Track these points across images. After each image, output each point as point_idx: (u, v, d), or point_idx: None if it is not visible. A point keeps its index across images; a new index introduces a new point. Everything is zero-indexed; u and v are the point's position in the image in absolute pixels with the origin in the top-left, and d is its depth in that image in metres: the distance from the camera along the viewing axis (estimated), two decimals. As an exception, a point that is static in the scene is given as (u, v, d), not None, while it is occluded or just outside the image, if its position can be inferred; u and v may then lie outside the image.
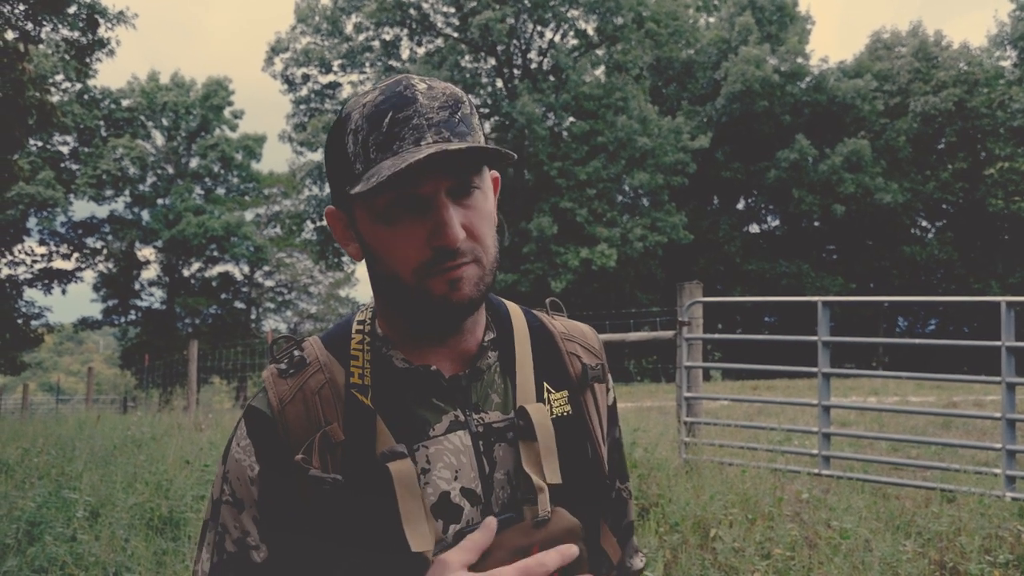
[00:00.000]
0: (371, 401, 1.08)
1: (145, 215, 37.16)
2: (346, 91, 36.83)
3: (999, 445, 5.73)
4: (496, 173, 1.15)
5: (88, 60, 15.69)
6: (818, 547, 4.43)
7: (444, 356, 1.13)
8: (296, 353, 1.13)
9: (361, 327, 1.15)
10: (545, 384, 1.19)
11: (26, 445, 7.04)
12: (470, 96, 1.14)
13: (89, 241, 36.44)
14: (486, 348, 1.16)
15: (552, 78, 33.97)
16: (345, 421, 1.07)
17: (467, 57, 35.55)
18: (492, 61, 35.69)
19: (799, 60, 37.04)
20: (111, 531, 4.32)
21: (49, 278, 34.15)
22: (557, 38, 35.23)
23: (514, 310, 1.25)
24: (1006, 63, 37.33)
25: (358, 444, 1.06)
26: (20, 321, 32.68)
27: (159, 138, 38.22)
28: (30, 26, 12.02)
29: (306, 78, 36.59)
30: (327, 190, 34.80)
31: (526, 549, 1.02)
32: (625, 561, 1.31)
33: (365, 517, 1.03)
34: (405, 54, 36.17)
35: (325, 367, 1.11)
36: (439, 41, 35.53)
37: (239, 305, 40.32)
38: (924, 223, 39.65)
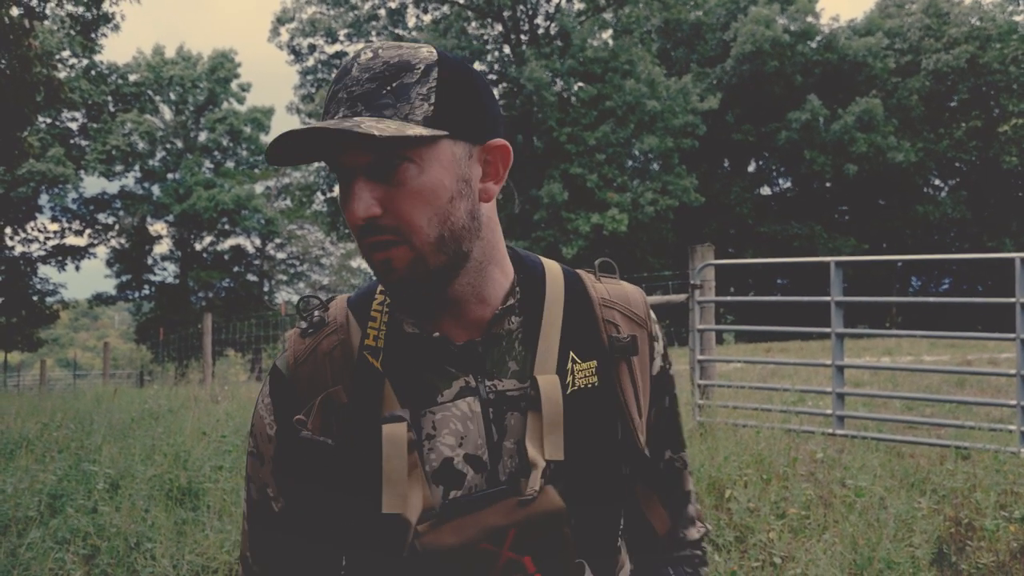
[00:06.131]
0: (382, 364, 1.07)
1: (156, 190, 37.20)
2: (353, 61, 36.57)
3: (1014, 402, 5.72)
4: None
5: (94, 35, 15.68)
6: (833, 506, 4.45)
7: (454, 322, 1.11)
8: (317, 314, 1.15)
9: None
10: (571, 353, 1.12)
11: (45, 420, 7.11)
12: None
13: (101, 217, 36.57)
14: (504, 314, 1.11)
15: (559, 42, 33.66)
16: (354, 383, 1.07)
17: (473, 24, 35.25)
18: (499, 27, 35.36)
19: (809, 19, 36.61)
20: (131, 502, 4.38)
21: (62, 255, 34.36)
22: (563, 2, 34.89)
23: (553, 272, 1.19)
24: (1019, 18, 36.79)
25: (363, 407, 1.06)
26: (35, 298, 32.98)
27: (167, 112, 38.17)
28: (35, 2, 11.98)
29: (312, 48, 36.36)
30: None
31: (503, 531, 1.00)
32: (677, 532, 1.27)
33: (353, 480, 1.04)
34: (411, 22, 35.92)
35: (342, 328, 1.12)
36: (445, 8, 35.23)
37: (252, 278, 40.45)
38: (937, 182, 39.35)
